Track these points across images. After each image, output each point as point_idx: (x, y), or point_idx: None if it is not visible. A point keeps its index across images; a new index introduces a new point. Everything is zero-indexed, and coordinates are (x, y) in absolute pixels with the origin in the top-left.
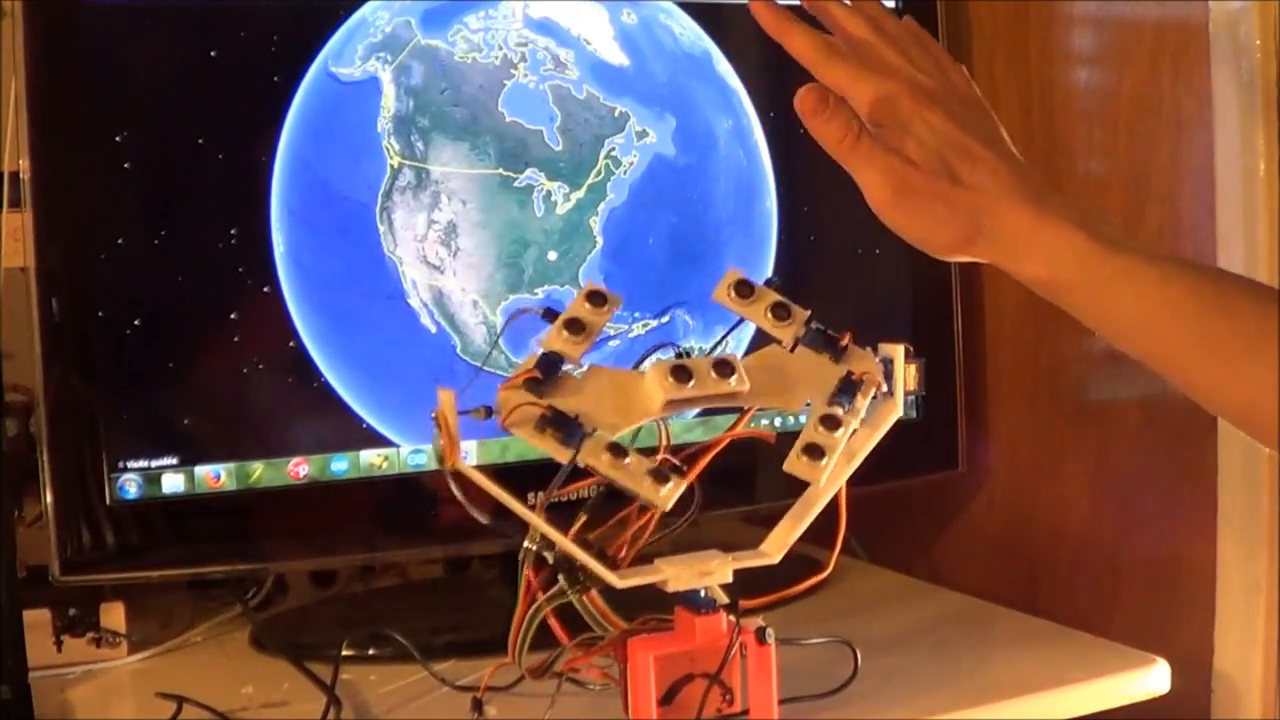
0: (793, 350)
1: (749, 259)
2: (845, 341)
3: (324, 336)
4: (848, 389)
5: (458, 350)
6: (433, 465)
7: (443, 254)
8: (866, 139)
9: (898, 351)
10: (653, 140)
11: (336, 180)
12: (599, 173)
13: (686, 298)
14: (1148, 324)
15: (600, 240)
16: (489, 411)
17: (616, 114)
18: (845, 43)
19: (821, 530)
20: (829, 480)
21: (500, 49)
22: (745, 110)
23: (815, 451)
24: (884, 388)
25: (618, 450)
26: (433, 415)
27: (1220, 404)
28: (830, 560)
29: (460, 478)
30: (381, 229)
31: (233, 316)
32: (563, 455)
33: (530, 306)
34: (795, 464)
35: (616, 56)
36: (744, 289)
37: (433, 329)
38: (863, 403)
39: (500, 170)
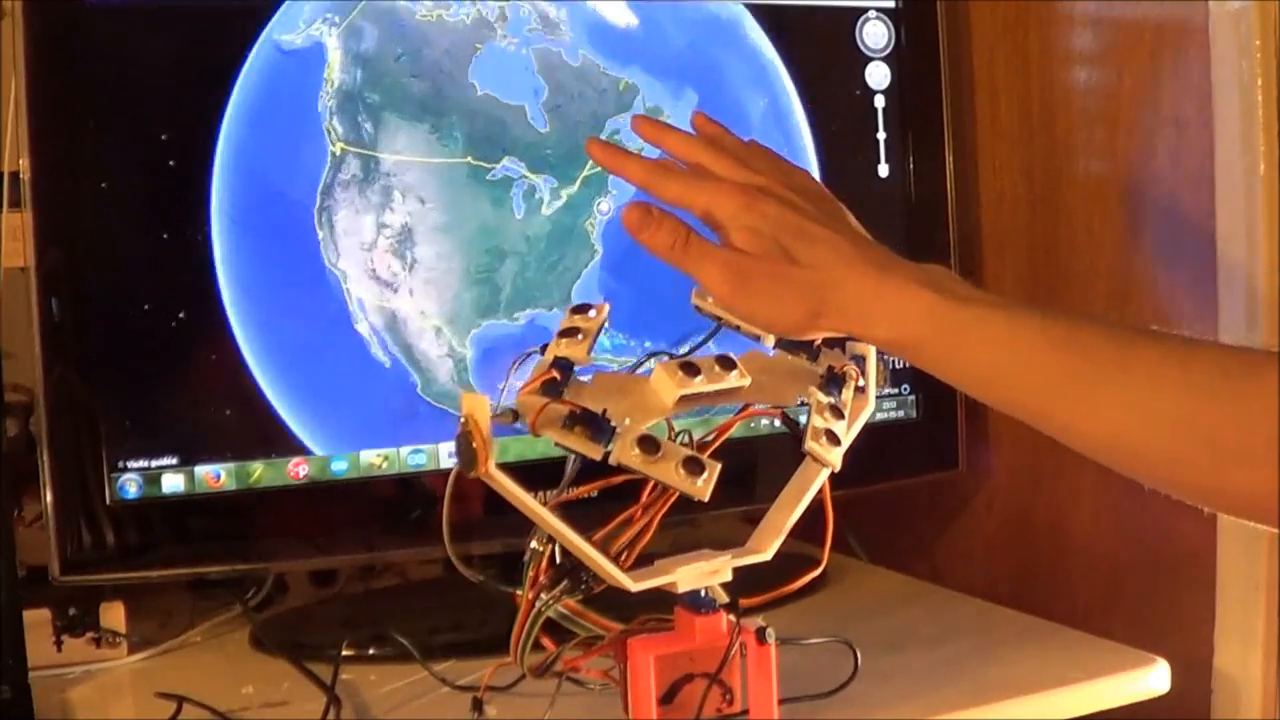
0: (773, 350)
1: None
2: (818, 341)
3: (276, 366)
4: (835, 382)
5: (418, 390)
6: (431, 465)
7: (395, 267)
8: (696, 239)
9: (869, 350)
10: (668, 120)
11: (272, 174)
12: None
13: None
14: (1001, 370)
15: (599, 249)
16: (515, 415)
17: (622, 87)
18: (683, 164)
19: (812, 527)
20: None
21: (474, 5)
22: (784, 86)
23: (832, 438)
24: (860, 382)
25: (649, 443)
26: (460, 420)
27: (1084, 441)
28: (824, 554)
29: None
30: (320, 234)
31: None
32: (593, 452)
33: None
34: (815, 446)
35: (623, 16)
36: None
37: (386, 362)
38: (847, 395)
39: (469, 159)
